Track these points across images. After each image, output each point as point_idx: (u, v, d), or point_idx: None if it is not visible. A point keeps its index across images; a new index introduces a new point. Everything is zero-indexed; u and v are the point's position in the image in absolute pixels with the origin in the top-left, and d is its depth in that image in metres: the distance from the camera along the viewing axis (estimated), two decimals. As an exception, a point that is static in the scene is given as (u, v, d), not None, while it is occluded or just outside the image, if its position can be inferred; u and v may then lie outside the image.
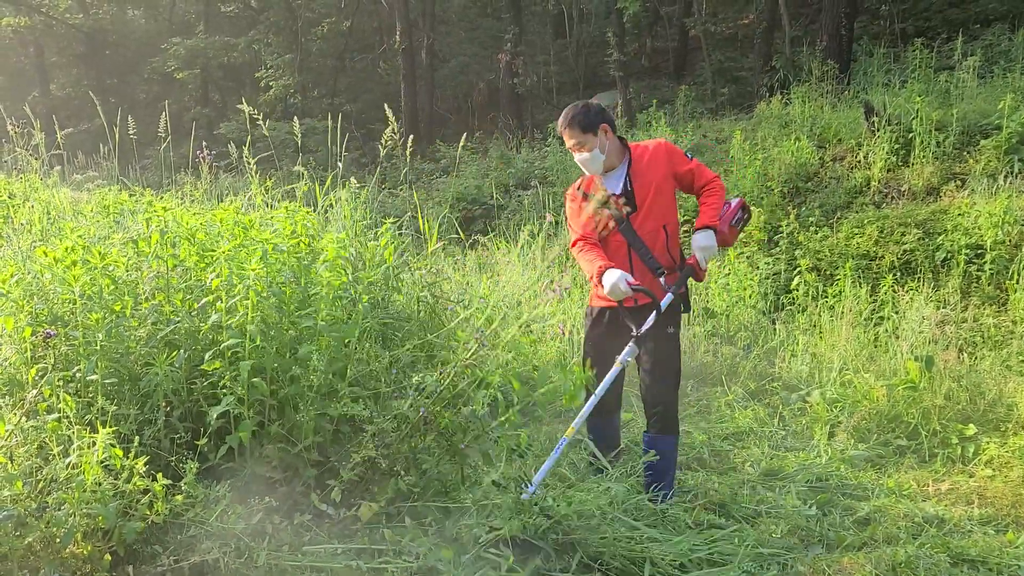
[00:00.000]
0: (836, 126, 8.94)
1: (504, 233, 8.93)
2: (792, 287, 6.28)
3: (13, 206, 4.81)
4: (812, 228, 7.28)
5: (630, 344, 3.45)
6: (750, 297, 6.26)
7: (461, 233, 8.30)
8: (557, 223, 8.88)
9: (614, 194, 3.56)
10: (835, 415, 4.58)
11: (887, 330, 5.38)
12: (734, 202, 3.69)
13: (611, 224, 3.54)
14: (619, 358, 3.46)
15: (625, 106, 13.78)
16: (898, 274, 6.24)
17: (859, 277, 6.20)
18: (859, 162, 8.12)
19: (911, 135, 7.65)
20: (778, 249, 6.97)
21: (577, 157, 3.59)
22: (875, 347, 5.31)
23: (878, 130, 7.91)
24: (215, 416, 2.85)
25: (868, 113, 8.21)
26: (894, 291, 5.63)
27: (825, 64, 10.80)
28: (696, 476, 3.88)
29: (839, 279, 6.11)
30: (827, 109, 9.78)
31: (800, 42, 13.17)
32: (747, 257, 6.82)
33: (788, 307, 6.31)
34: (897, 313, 5.48)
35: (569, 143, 3.59)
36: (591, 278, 3.48)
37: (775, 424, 4.68)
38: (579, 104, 3.64)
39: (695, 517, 3.30)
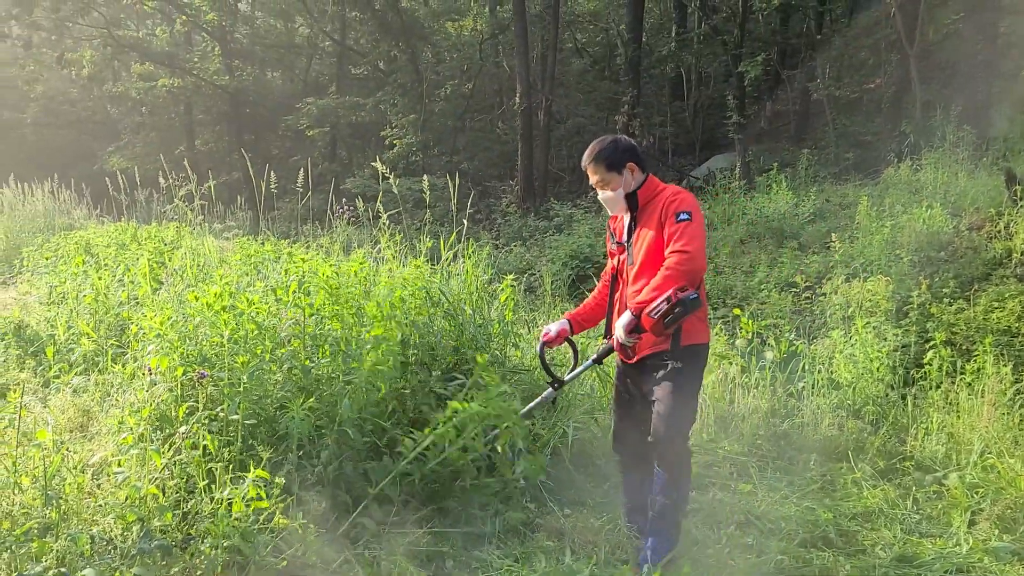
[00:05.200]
0: (973, 194, 8.52)
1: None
2: (925, 361, 5.93)
3: (167, 252, 5.21)
4: (946, 300, 6.88)
5: (548, 389, 3.50)
6: (878, 370, 5.94)
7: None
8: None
9: (618, 243, 3.38)
10: (976, 501, 4.26)
11: (1034, 413, 4.99)
12: (669, 292, 2.91)
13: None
14: (542, 395, 3.54)
15: (743, 168, 13.62)
16: (1045, 353, 5.80)
17: (1001, 354, 5.79)
18: (999, 232, 7.67)
19: (1058, 205, 7.21)
20: (908, 320, 6.60)
21: (600, 195, 3.31)
22: (1020, 430, 4.93)
23: (1021, 199, 7.48)
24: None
25: (1010, 181, 7.79)
26: (1042, 371, 5.24)
27: (961, 129, 10.36)
28: (822, 556, 3.69)
29: (977, 355, 5.72)
30: (962, 176, 9.33)
31: (932, 107, 12.70)
32: (874, 328, 6.50)
33: (920, 382, 5.95)
34: (1046, 395, 5.09)
35: (592, 179, 3.29)
36: None
37: (907, 506, 4.38)
38: (608, 138, 3.31)
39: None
